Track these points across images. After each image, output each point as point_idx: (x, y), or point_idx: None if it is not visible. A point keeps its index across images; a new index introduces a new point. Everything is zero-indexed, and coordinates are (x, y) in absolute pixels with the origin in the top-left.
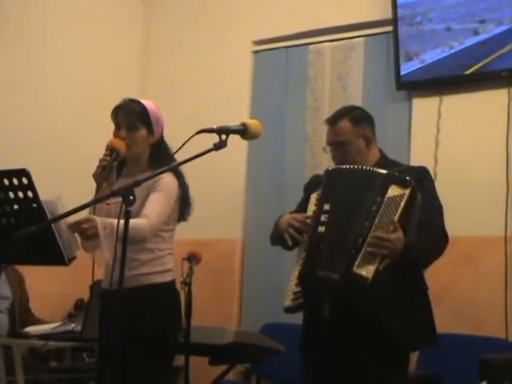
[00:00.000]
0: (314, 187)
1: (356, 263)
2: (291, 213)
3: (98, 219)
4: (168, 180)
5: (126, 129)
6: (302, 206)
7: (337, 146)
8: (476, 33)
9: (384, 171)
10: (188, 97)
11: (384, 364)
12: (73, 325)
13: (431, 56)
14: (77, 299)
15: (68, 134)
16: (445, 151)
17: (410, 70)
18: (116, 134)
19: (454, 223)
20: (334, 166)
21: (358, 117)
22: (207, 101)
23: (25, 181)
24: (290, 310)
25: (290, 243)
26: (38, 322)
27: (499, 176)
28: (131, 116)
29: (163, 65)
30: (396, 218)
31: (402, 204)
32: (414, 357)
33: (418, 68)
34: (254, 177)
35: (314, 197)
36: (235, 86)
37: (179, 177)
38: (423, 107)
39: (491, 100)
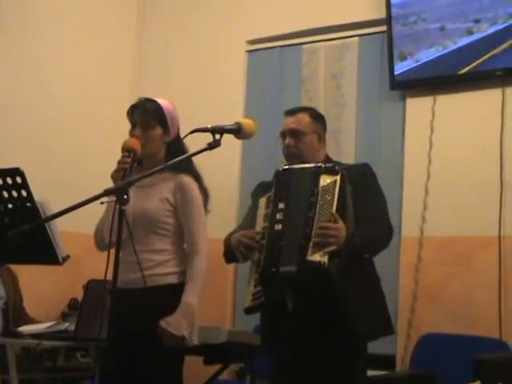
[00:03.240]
0: (261, 193)
1: (309, 252)
2: (238, 227)
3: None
4: (193, 186)
5: (141, 128)
6: (251, 213)
7: (293, 134)
8: (470, 32)
9: (313, 165)
10: (182, 96)
11: (342, 355)
12: (66, 324)
13: (425, 55)
14: (70, 298)
15: (63, 134)
16: (438, 151)
17: (403, 70)
18: (131, 133)
19: (448, 223)
20: (283, 167)
21: (316, 114)
22: (201, 100)
23: (19, 180)
24: (250, 311)
25: (241, 261)
26: (31, 321)
27: (493, 176)
28: (146, 115)
29: (157, 64)
30: (334, 204)
31: (337, 189)
32: (407, 355)
33: (412, 67)
34: (248, 176)
35: (262, 201)
36: (229, 85)
37: (198, 179)
38: (417, 107)
39: (485, 100)
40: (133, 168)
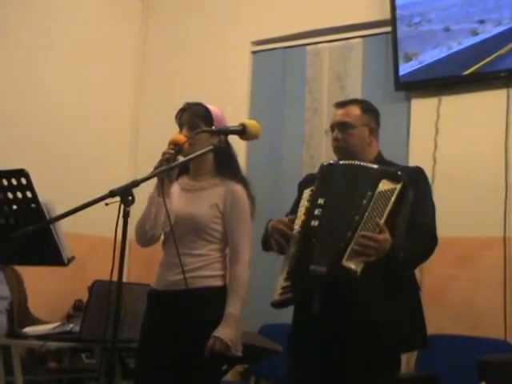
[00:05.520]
0: (307, 184)
1: (345, 256)
2: (287, 214)
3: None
4: (243, 195)
5: (188, 127)
6: (297, 203)
7: (342, 127)
8: (475, 33)
9: (376, 166)
10: (186, 97)
11: (372, 364)
12: (71, 325)
13: (430, 56)
14: (75, 299)
15: (67, 135)
16: (443, 152)
17: (408, 71)
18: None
19: (453, 224)
20: (328, 162)
21: (367, 107)
22: (206, 101)
23: (23, 181)
24: (277, 305)
25: (276, 250)
26: (36, 322)
27: (498, 176)
28: (193, 116)
29: (161, 65)
30: (385, 214)
31: (393, 198)
32: (412, 357)
33: (417, 68)
34: (251, 177)
35: (306, 192)
36: (234, 86)
37: (247, 186)
38: (422, 108)
39: (490, 100)
40: (176, 161)
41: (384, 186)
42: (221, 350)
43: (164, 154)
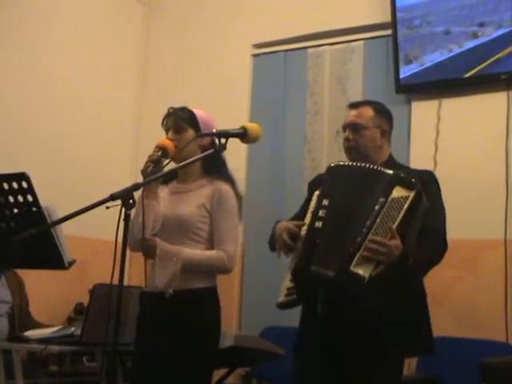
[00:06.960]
0: (317, 185)
1: (354, 262)
2: (292, 217)
3: (158, 242)
4: (230, 194)
5: (174, 131)
6: (305, 205)
7: (353, 128)
8: (475, 36)
9: (390, 171)
10: (187, 100)
11: (376, 368)
12: (72, 329)
13: (430, 59)
14: (76, 303)
15: (68, 139)
16: (444, 154)
17: (409, 73)
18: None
19: (454, 226)
20: (335, 162)
21: (380, 108)
22: (206, 104)
23: (24, 185)
24: (282, 306)
25: (278, 253)
26: (37, 325)
27: (499, 179)
28: (178, 119)
29: (162, 68)
30: (397, 221)
31: (406, 206)
32: (413, 359)
33: (418, 71)
34: (253, 180)
35: (316, 194)
36: (235, 89)
37: (234, 186)
38: (422, 110)
39: (490, 103)
40: (161, 164)
41: (398, 192)
42: (148, 251)
43: (150, 156)
